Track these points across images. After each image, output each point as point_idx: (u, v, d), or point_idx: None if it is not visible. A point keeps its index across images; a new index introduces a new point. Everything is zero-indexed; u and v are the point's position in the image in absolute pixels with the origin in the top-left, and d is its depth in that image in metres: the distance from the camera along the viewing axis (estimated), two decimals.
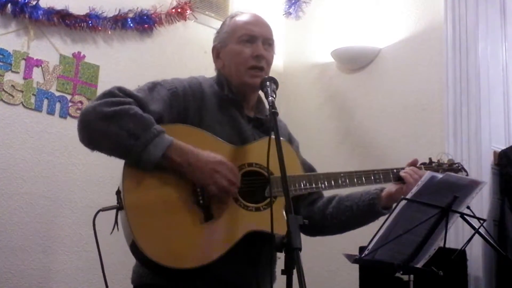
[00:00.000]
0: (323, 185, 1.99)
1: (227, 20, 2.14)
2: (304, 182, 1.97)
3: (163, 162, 1.79)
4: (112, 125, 1.77)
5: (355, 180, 2.01)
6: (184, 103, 1.94)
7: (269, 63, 2.06)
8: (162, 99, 1.91)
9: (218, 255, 1.79)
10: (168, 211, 1.81)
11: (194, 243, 1.80)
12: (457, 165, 2.12)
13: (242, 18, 2.10)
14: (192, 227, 1.81)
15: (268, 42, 2.07)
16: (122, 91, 1.86)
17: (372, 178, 2.03)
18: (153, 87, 1.94)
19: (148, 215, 1.79)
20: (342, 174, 2.00)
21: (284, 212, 1.84)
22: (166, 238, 1.79)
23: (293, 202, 1.97)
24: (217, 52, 2.11)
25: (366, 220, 2.08)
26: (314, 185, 1.98)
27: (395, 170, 2.05)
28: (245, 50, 2.02)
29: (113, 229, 1.84)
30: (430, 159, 2.13)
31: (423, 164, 2.11)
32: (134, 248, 1.79)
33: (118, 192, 1.85)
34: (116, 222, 1.85)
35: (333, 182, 1.99)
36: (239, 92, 2.05)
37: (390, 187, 2.03)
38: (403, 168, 2.05)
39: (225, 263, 1.80)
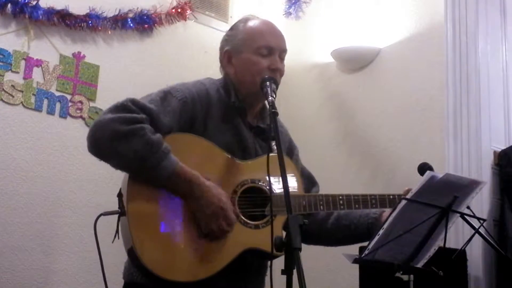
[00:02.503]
0: (321, 207, 2.01)
1: (240, 25, 2.09)
2: (304, 202, 1.99)
3: (167, 184, 1.81)
4: (122, 145, 1.77)
5: (353, 204, 2.03)
6: (192, 112, 1.94)
7: (282, 74, 2.07)
8: (173, 111, 1.90)
9: (215, 271, 1.82)
10: (170, 222, 1.82)
11: (191, 257, 1.82)
12: None
13: (260, 26, 2.07)
14: (191, 241, 1.83)
15: (283, 55, 2.07)
16: (135, 104, 1.84)
17: (369, 202, 2.04)
18: (164, 97, 1.92)
19: (150, 224, 1.80)
20: (340, 197, 2.02)
21: (282, 231, 1.88)
22: (164, 249, 1.80)
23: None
24: (228, 57, 2.07)
25: (361, 240, 2.11)
26: (313, 206, 2.00)
27: (391, 197, 2.06)
28: (263, 62, 2.01)
29: (114, 237, 1.85)
30: None
31: None
32: (132, 255, 1.80)
33: (119, 195, 1.85)
34: (117, 229, 1.86)
35: (331, 206, 2.02)
36: (246, 99, 2.04)
37: (388, 212, 2.03)
38: (399, 195, 2.05)
39: (218, 275, 1.83)
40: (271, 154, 1.77)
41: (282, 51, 2.07)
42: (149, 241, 1.79)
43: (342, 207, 2.02)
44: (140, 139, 1.77)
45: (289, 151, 2.19)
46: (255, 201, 1.93)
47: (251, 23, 2.08)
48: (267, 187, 1.92)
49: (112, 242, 1.84)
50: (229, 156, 1.94)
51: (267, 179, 1.78)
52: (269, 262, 1.89)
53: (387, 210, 2.06)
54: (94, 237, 1.86)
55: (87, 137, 1.82)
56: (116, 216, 1.88)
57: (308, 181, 2.20)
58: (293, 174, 2.03)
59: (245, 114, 2.05)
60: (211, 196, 1.83)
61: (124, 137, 1.77)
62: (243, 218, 1.90)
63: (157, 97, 1.92)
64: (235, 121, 2.02)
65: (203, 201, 1.82)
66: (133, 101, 1.85)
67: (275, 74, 2.02)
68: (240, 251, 1.86)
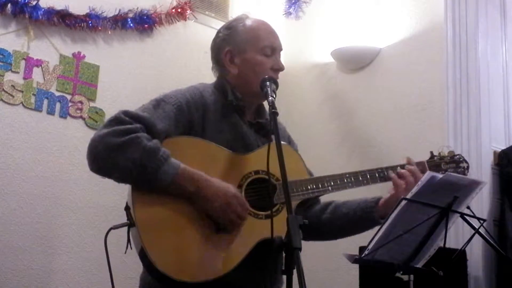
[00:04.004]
0: (329, 187, 2.00)
1: (239, 24, 2.09)
2: (311, 185, 1.98)
3: (172, 188, 1.80)
4: (120, 156, 1.77)
5: (361, 179, 2.02)
6: (188, 116, 1.93)
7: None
8: (168, 116, 1.90)
9: (232, 266, 1.81)
10: (179, 224, 1.81)
11: (207, 255, 1.81)
12: (458, 156, 2.13)
13: (260, 26, 2.09)
14: (204, 238, 1.82)
15: (280, 53, 2.10)
16: (129, 115, 1.84)
17: (377, 176, 2.03)
18: (157, 104, 1.92)
19: (160, 230, 1.80)
20: (347, 175, 2.01)
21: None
22: (178, 252, 1.80)
23: (298, 206, 1.98)
24: (231, 57, 2.06)
25: (361, 228, 2.10)
26: (321, 188, 1.99)
27: (399, 168, 2.05)
28: (267, 62, 2.03)
29: (126, 248, 1.84)
30: (431, 152, 2.14)
31: (427, 160, 2.11)
32: (146, 262, 1.80)
33: (127, 208, 1.84)
34: (128, 240, 1.85)
35: (339, 183, 2.00)
36: (244, 98, 2.04)
37: (385, 196, 2.04)
38: (401, 165, 2.06)
39: (234, 270, 1.81)
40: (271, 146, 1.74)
41: (281, 50, 2.11)
42: (161, 247, 1.78)
43: (350, 184, 2.01)
44: (136, 148, 1.77)
45: None
46: (262, 191, 1.92)
47: (249, 22, 2.09)
48: (271, 177, 1.91)
49: (125, 252, 1.83)
50: (229, 152, 1.93)
51: (273, 169, 1.74)
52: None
53: (383, 199, 2.03)
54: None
55: (86, 157, 1.83)
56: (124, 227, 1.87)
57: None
58: (296, 161, 2.03)
59: (243, 112, 2.05)
60: (218, 188, 1.82)
61: (120, 149, 1.77)
62: (252, 210, 1.89)
63: (150, 105, 1.92)
64: (234, 119, 2.02)
65: (212, 196, 1.81)
66: (126, 113, 1.85)
67: (277, 74, 2.05)
68: (254, 243, 1.84)
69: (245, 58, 2.04)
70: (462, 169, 2.11)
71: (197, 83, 2.08)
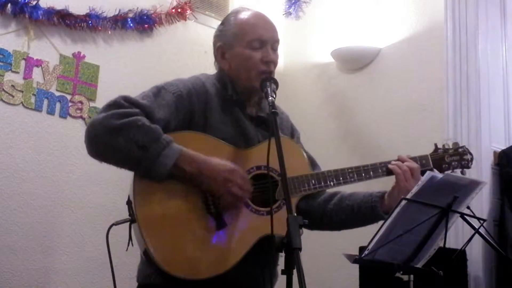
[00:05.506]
0: (332, 183, 1.99)
1: (231, 18, 2.08)
2: (313, 181, 1.97)
3: (174, 171, 1.79)
4: (121, 137, 1.75)
5: (363, 174, 2.01)
6: (189, 106, 1.93)
7: (275, 65, 2.05)
8: (168, 105, 1.89)
9: (233, 263, 1.81)
10: (181, 222, 1.81)
11: (209, 252, 1.81)
12: (462, 149, 2.13)
13: (250, 19, 2.05)
14: (206, 236, 1.82)
15: (275, 45, 2.05)
16: (128, 101, 1.83)
17: (380, 170, 2.03)
18: (157, 92, 1.91)
19: (161, 228, 1.79)
20: (349, 170, 2.01)
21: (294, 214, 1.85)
22: (181, 250, 1.79)
23: (301, 198, 1.98)
24: (222, 52, 2.05)
25: (364, 221, 2.08)
26: (323, 184, 1.98)
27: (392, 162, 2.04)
28: (255, 55, 1.99)
29: (128, 245, 1.84)
30: (435, 145, 2.13)
31: (431, 154, 2.11)
32: (149, 258, 1.80)
33: (128, 202, 1.84)
34: (130, 237, 1.85)
35: (341, 179, 2.00)
36: (243, 92, 2.03)
37: (389, 190, 2.03)
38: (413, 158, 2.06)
39: (235, 267, 1.81)
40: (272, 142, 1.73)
41: (274, 42, 2.05)
42: (163, 243, 1.78)
43: (352, 179, 2.00)
44: (138, 130, 1.76)
45: (291, 135, 2.19)
46: (264, 187, 1.90)
47: (241, 16, 2.06)
48: (273, 172, 1.91)
49: (126, 250, 1.84)
50: (231, 147, 1.93)
51: (275, 164, 1.73)
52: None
53: (386, 196, 2.03)
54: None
55: (84, 140, 1.81)
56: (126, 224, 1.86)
57: (309, 163, 2.18)
58: (298, 156, 2.03)
59: (243, 106, 2.04)
60: (219, 164, 1.82)
61: (121, 130, 1.75)
62: (254, 206, 1.88)
63: (150, 92, 1.91)
64: (235, 113, 2.01)
65: (212, 173, 1.81)
66: (125, 98, 1.84)
67: (269, 66, 2.00)
68: (256, 240, 1.84)
69: (234, 53, 2.02)
70: (466, 161, 2.12)
71: (200, 74, 2.08)
